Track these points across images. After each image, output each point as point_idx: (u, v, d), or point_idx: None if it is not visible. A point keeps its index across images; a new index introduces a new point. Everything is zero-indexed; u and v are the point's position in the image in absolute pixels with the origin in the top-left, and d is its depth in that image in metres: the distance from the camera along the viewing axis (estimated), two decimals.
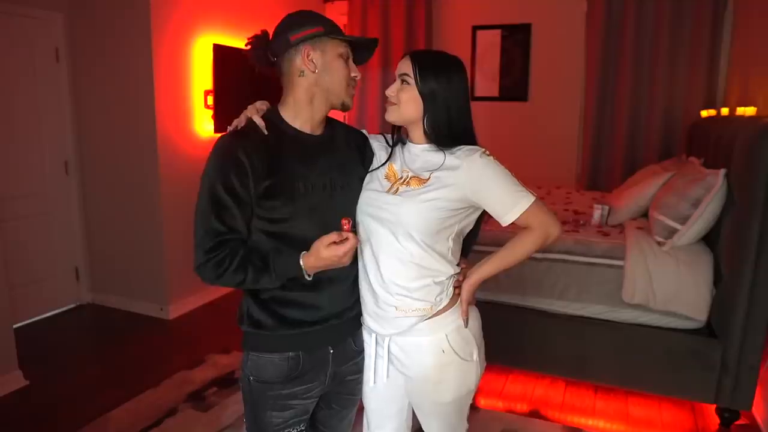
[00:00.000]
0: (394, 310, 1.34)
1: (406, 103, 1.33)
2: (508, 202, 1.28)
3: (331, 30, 1.28)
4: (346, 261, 1.21)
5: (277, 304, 1.30)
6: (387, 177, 1.38)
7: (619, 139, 4.36)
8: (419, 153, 1.37)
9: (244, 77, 4.04)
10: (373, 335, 1.41)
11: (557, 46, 4.61)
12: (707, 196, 2.44)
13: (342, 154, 1.39)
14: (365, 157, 1.45)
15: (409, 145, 1.40)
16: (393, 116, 1.37)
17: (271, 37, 1.33)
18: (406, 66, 1.33)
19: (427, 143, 1.36)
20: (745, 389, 2.38)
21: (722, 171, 2.44)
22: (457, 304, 1.37)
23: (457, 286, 1.38)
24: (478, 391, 2.57)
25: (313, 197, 1.27)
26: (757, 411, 2.55)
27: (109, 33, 3.66)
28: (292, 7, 1.33)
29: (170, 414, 2.61)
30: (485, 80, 4.87)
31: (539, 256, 2.60)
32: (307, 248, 1.24)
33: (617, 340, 2.60)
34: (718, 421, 2.55)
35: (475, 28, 4.87)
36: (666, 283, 2.47)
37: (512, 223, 1.31)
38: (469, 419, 1.55)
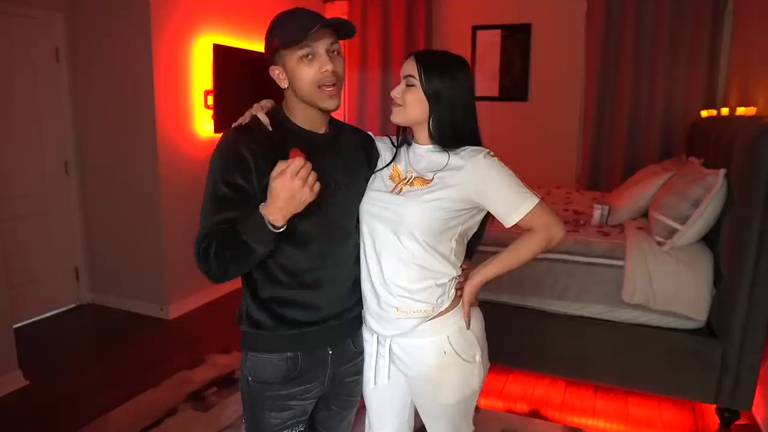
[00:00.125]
0: (395, 311, 1.34)
1: (412, 105, 1.33)
2: (512, 203, 1.27)
3: (285, 42, 1.22)
4: (299, 185, 1.09)
5: (277, 304, 1.29)
6: (391, 177, 1.38)
7: (619, 139, 4.36)
8: (424, 154, 1.37)
9: (244, 77, 4.05)
10: (375, 335, 1.41)
11: (557, 46, 4.61)
12: (707, 196, 2.44)
13: (347, 154, 1.38)
14: (371, 158, 1.45)
15: (414, 146, 1.40)
16: (398, 118, 1.37)
17: None
18: (410, 67, 1.33)
19: (432, 144, 1.36)
20: (745, 389, 2.38)
21: (722, 171, 2.44)
22: (459, 305, 1.37)
23: (459, 288, 1.38)
24: None
25: (316, 195, 1.27)
26: (757, 411, 2.55)
27: (108, 33, 3.66)
28: (290, 7, 1.31)
29: (170, 414, 2.61)
30: (485, 80, 4.87)
31: (539, 256, 2.59)
32: (310, 246, 1.24)
33: (617, 340, 2.60)
34: (718, 421, 2.55)
35: (475, 28, 4.87)
36: (666, 283, 2.47)
37: (515, 225, 1.30)
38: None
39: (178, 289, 3.82)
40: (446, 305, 1.35)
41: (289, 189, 1.09)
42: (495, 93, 4.86)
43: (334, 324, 1.35)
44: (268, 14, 1.35)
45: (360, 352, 1.46)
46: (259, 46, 3.94)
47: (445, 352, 1.35)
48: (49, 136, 3.74)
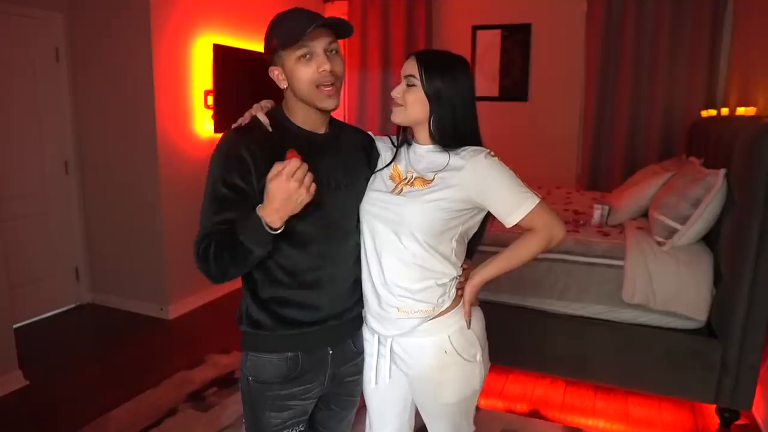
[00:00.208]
0: (396, 311, 1.34)
1: (413, 105, 1.33)
2: (513, 203, 1.27)
3: (283, 42, 1.22)
4: (295, 187, 1.08)
5: (277, 305, 1.29)
6: (391, 177, 1.38)
7: (619, 139, 4.36)
8: (424, 154, 1.37)
9: (244, 77, 4.05)
10: (376, 335, 1.41)
11: (557, 46, 4.61)
12: (707, 196, 2.44)
13: (347, 154, 1.38)
14: (371, 158, 1.45)
15: (415, 146, 1.40)
16: (399, 117, 1.37)
17: None
18: (411, 67, 1.32)
19: (433, 144, 1.36)
20: (745, 389, 2.38)
21: (722, 171, 2.44)
22: (459, 305, 1.37)
23: (460, 288, 1.38)
24: None
25: (316, 196, 1.26)
26: (757, 411, 2.55)
27: (108, 33, 3.66)
28: (290, 7, 1.31)
29: (170, 414, 2.61)
30: (485, 80, 4.87)
31: (539, 256, 2.59)
32: (310, 246, 1.23)
33: (617, 340, 2.60)
34: (718, 421, 2.55)
35: (475, 28, 4.87)
36: (666, 283, 2.47)
37: (516, 225, 1.30)
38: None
39: (178, 289, 3.82)
40: (447, 305, 1.35)
41: (286, 190, 1.09)
42: (495, 93, 4.86)
43: (334, 324, 1.35)
44: (268, 14, 1.34)
45: (360, 352, 1.46)
46: (259, 46, 3.93)
47: (446, 352, 1.35)
48: (49, 136, 3.74)
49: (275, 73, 1.29)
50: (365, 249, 1.37)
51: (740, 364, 2.36)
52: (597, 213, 3.13)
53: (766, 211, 2.21)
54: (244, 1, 4.27)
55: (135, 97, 3.63)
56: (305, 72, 1.23)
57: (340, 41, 1.31)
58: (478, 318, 1.42)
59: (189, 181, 3.74)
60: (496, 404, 2.71)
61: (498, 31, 4.79)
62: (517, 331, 2.73)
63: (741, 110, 3.01)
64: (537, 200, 1.28)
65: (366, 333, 1.46)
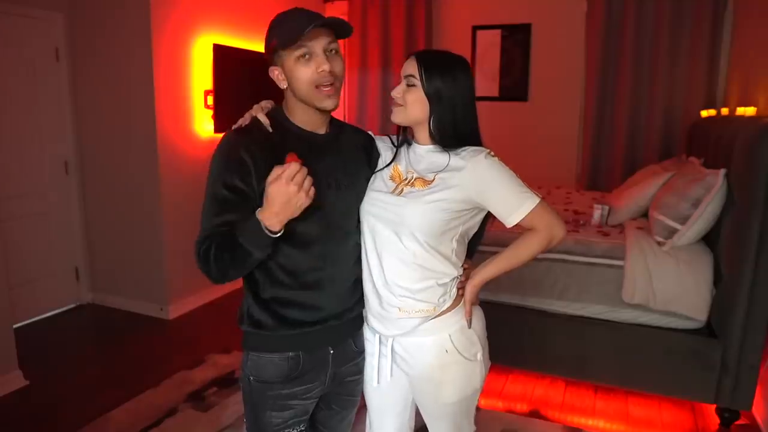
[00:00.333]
0: (397, 311, 1.34)
1: (413, 105, 1.33)
2: (513, 203, 1.27)
3: (282, 42, 1.22)
4: (294, 190, 1.08)
5: (278, 305, 1.30)
6: (392, 178, 1.38)
7: (619, 139, 4.36)
8: (424, 154, 1.37)
9: (244, 77, 4.05)
10: (377, 335, 1.41)
11: (557, 46, 4.61)
12: (707, 196, 2.44)
13: (348, 154, 1.38)
14: (371, 158, 1.45)
15: (415, 146, 1.40)
16: (399, 118, 1.37)
17: None
18: (411, 67, 1.32)
19: (433, 144, 1.36)
20: (745, 389, 2.38)
21: (722, 171, 2.44)
22: (460, 304, 1.37)
23: (461, 287, 1.38)
24: None
25: (317, 196, 1.27)
26: (757, 411, 2.55)
27: (109, 33, 3.66)
28: (291, 7, 1.31)
29: (170, 414, 2.61)
30: (485, 80, 4.87)
31: (539, 256, 2.60)
32: (311, 247, 1.23)
33: (617, 340, 2.60)
34: (718, 421, 2.55)
35: (475, 28, 4.87)
36: (666, 283, 2.47)
37: (516, 224, 1.30)
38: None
39: (178, 289, 3.82)
40: (448, 304, 1.35)
41: (285, 194, 1.09)
42: (495, 93, 4.86)
43: (334, 324, 1.36)
44: (268, 14, 1.34)
45: (361, 352, 1.46)
46: (259, 46, 3.93)
47: (446, 351, 1.35)
48: (49, 136, 3.74)
49: (275, 73, 1.29)
50: (366, 249, 1.37)
51: (740, 364, 2.36)
52: (597, 213, 3.13)
53: (766, 211, 2.21)
54: (244, 1, 4.27)
55: (135, 96, 3.63)
56: (304, 72, 1.23)
57: (340, 41, 1.31)
58: (478, 317, 1.42)
59: (189, 181, 3.74)
60: (496, 404, 2.72)
61: (498, 31, 4.79)
62: (517, 331, 2.73)
63: (741, 110, 3.01)
64: (537, 200, 1.28)
65: (367, 333, 1.46)
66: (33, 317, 3.68)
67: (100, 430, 2.49)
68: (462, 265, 1.39)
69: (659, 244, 2.59)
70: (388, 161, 1.42)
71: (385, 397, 1.49)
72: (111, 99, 3.73)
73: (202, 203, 1.25)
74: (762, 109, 2.97)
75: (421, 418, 1.49)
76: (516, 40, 4.74)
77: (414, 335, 1.36)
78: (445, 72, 1.31)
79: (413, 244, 1.30)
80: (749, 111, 2.90)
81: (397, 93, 1.35)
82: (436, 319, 1.34)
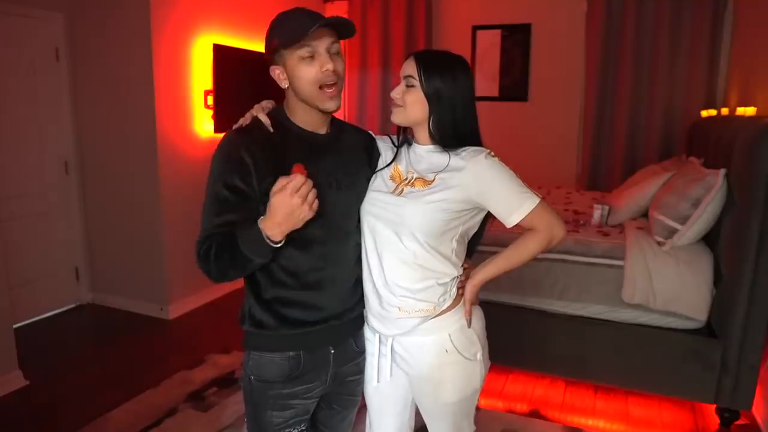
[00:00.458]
0: (397, 310, 1.34)
1: (412, 105, 1.32)
2: (514, 203, 1.27)
3: (285, 41, 1.22)
4: (298, 203, 1.08)
5: (280, 305, 1.30)
6: (392, 178, 1.38)
7: (619, 139, 4.36)
8: (424, 154, 1.37)
9: (244, 77, 4.05)
10: (377, 335, 1.42)
11: (557, 46, 4.61)
12: (707, 196, 2.44)
13: (348, 153, 1.38)
14: (372, 157, 1.45)
15: (415, 146, 1.40)
16: (399, 118, 1.37)
17: None
18: (410, 68, 1.32)
19: (433, 144, 1.36)
20: (745, 389, 2.38)
21: (722, 171, 2.44)
22: (460, 304, 1.38)
23: (461, 287, 1.38)
24: None
25: (318, 195, 1.27)
26: (757, 411, 2.55)
27: (108, 33, 3.66)
28: (291, 7, 1.31)
29: (170, 414, 2.61)
30: (485, 80, 4.87)
31: (539, 256, 2.60)
32: (312, 248, 1.23)
33: (617, 340, 2.60)
34: (718, 421, 2.55)
35: (475, 28, 4.87)
36: (666, 283, 2.47)
37: (516, 224, 1.30)
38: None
39: (178, 289, 3.82)
40: (448, 304, 1.35)
41: (288, 206, 1.09)
42: (495, 93, 4.87)
43: (335, 324, 1.36)
44: (268, 14, 1.34)
45: (361, 352, 1.46)
46: (259, 46, 3.93)
47: (446, 351, 1.35)
48: (49, 136, 3.74)
49: (276, 73, 1.29)
50: (366, 249, 1.37)
51: (740, 364, 2.36)
52: (597, 213, 3.13)
53: (766, 211, 2.21)
54: (244, 1, 4.27)
55: (135, 96, 3.63)
56: (308, 72, 1.23)
57: (341, 41, 1.31)
58: (478, 317, 1.42)
59: (189, 181, 3.74)
60: (496, 404, 2.72)
61: (498, 31, 4.79)
62: (517, 331, 2.73)
63: (741, 110, 3.01)
64: (537, 200, 1.28)
65: (367, 332, 1.46)
66: (33, 317, 3.68)
67: (100, 430, 2.49)
68: (462, 265, 1.39)
69: (659, 244, 2.59)
70: (389, 161, 1.42)
71: (385, 396, 1.49)
72: (111, 99, 3.73)
73: (203, 203, 1.26)
74: (762, 109, 2.97)
75: (421, 418, 1.49)
76: (516, 40, 4.74)
77: (414, 335, 1.36)
78: (444, 72, 1.31)
79: (413, 244, 1.30)
80: (749, 111, 2.90)
81: (396, 94, 1.35)
82: (436, 318, 1.34)
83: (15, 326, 3.05)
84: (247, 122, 1.30)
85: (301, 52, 1.22)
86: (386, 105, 4.95)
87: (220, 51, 3.94)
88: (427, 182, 1.31)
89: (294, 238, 1.23)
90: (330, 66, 1.23)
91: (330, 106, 1.27)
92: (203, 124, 3.96)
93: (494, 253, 1.38)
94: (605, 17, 4.30)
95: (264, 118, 1.29)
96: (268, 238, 1.13)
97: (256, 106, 1.36)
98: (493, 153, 1.32)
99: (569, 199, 3.85)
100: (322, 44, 1.23)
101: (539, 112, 4.73)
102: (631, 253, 2.56)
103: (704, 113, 3.81)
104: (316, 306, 1.32)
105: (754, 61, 3.39)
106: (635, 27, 4.20)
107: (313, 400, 1.38)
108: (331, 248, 1.32)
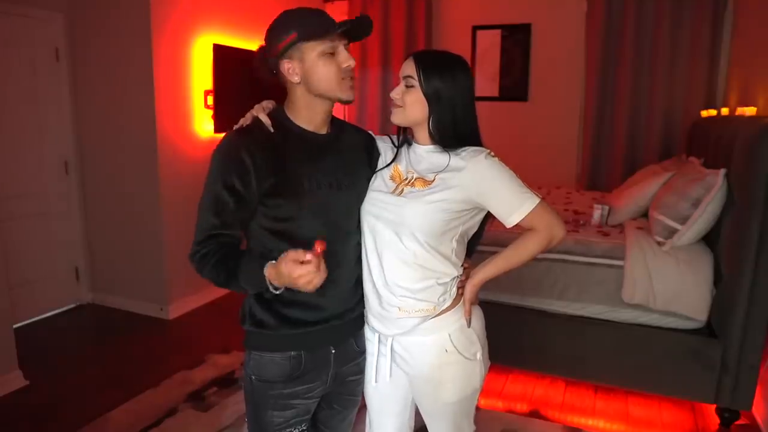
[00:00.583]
0: (397, 310, 1.34)
1: (412, 106, 1.33)
2: (514, 203, 1.28)
3: (305, 34, 1.22)
4: (303, 284, 1.09)
5: (281, 304, 1.30)
6: (392, 178, 1.38)
7: (619, 139, 4.36)
8: (424, 154, 1.37)
9: (244, 77, 4.05)
10: (377, 334, 1.42)
11: (557, 46, 4.61)
12: (707, 195, 2.44)
13: (349, 153, 1.38)
14: (372, 157, 1.45)
15: (415, 146, 1.40)
16: (398, 118, 1.37)
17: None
18: (409, 68, 1.32)
19: (432, 144, 1.36)
20: (745, 389, 2.38)
21: (722, 171, 2.44)
22: (460, 304, 1.38)
23: (461, 287, 1.38)
24: None
25: (318, 196, 1.26)
26: (757, 411, 2.55)
27: (108, 33, 3.66)
28: (291, 7, 1.31)
29: (170, 414, 2.61)
30: (485, 80, 4.87)
31: (539, 256, 2.60)
32: (312, 248, 1.24)
33: (617, 340, 2.60)
34: (718, 421, 2.55)
35: (475, 28, 4.87)
36: (666, 283, 2.47)
37: (516, 224, 1.30)
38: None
39: (178, 289, 3.82)
40: (448, 304, 1.35)
41: (296, 278, 1.10)
42: (495, 93, 4.86)
43: (336, 324, 1.36)
44: (268, 14, 1.34)
45: (362, 352, 1.46)
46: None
47: (446, 350, 1.35)
48: (49, 136, 3.74)
49: (286, 67, 1.26)
50: (366, 249, 1.37)
51: (740, 364, 2.36)
52: (597, 213, 3.13)
53: (766, 211, 2.21)
54: (244, 1, 4.27)
55: (135, 96, 3.63)
56: (330, 67, 1.25)
57: None
58: (478, 317, 1.42)
59: (189, 181, 3.73)
60: (496, 404, 2.72)
61: (498, 31, 4.79)
62: (517, 331, 2.73)
63: (741, 110, 3.01)
64: (537, 200, 1.28)
65: (367, 332, 1.46)
66: (33, 317, 3.68)
67: (100, 430, 2.49)
68: (462, 265, 1.39)
69: (659, 244, 2.59)
70: (389, 161, 1.42)
71: (384, 396, 1.49)
72: (111, 99, 3.73)
73: (201, 199, 1.26)
74: (762, 109, 2.97)
75: (421, 418, 1.49)
76: (516, 40, 4.74)
77: (414, 334, 1.36)
78: (444, 72, 1.31)
79: (413, 244, 1.30)
80: (749, 111, 2.89)
81: (396, 94, 1.35)
82: (435, 318, 1.34)
83: (15, 326, 3.06)
84: (248, 122, 1.30)
85: (322, 48, 1.23)
86: (386, 105, 4.95)
87: (220, 51, 3.94)
88: (427, 182, 1.31)
89: (294, 238, 1.24)
90: (353, 62, 1.27)
91: (350, 95, 1.30)
92: (203, 124, 3.96)
93: (494, 253, 1.38)
94: (605, 17, 4.30)
95: (265, 119, 1.29)
96: (271, 284, 1.16)
97: (256, 106, 1.35)
98: (493, 153, 1.32)
99: (569, 199, 3.85)
100: (342, 41, 1.26)
101: (539, 112, 4.73)
102: (631, 253, 2.56)
103: (704, 113, 3.81)
104: (317, 306, 1.32)
105: (754, 61, 3.39)
106: (635, 27, 4.20)
107: (314, 400, 1.38)
108: (331, 248, 1.32)
